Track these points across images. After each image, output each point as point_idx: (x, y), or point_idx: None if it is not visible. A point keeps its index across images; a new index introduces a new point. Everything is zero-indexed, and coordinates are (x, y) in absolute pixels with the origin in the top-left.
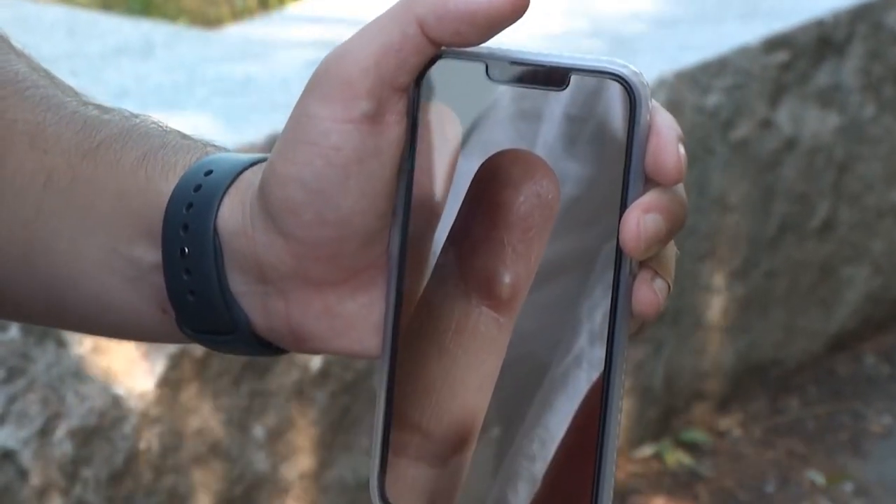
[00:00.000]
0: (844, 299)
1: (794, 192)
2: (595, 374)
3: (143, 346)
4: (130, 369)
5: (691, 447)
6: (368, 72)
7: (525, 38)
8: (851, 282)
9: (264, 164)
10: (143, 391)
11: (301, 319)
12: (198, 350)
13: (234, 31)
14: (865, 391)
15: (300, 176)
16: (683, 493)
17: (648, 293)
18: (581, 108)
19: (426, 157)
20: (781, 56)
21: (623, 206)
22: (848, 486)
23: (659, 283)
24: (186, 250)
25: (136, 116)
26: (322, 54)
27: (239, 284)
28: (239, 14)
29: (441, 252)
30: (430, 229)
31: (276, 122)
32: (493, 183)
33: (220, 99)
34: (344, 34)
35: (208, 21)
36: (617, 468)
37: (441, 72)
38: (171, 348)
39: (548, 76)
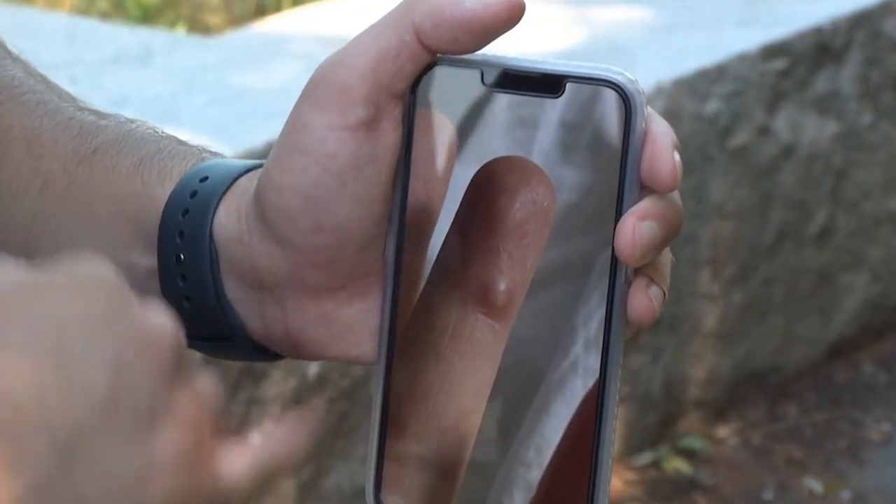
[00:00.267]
0: (843, 306)
1: (793, 199)
2: (590, 381)
3: None
4: None
5: (689, 454)
6: (365, 78)
7: (522, 47)
8: (850, 289)
9: (260, 171)
10: None
11: (298, 325)
12: (195, 357)
13: (232, 38)
14: (864, 398)
15: (296, 183)
16: (681, 501)
17: (644, 300)
18: (576, 116)
19: (422, 164)
20: (779, 63)
21: (618, 214)
22: (846, 494)
23: (654, 290)
24: (182, 256)
25: (133, 122)
26: (320, 61)
27: (235, 291)
28: (237, 21)
29: (437, 258)
30: (426, 236)
31: (274, 128)
32: (488, 190)
33: (219, 106)
34: (343, 41)
35: (206, 28)
36: (615, 476)
37: (437, 79)
38: None
39: (543, 83)
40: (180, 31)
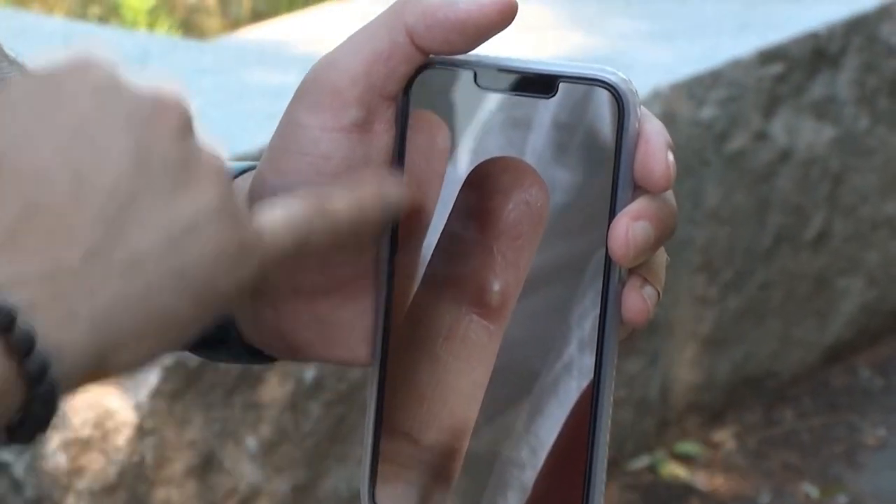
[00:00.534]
0: (839, 311)
1: (789, 203)
2: (585, 382)
3: None
4: (124, 381)
5: (685, 459)
6: (358, 80)
7: (519, 53)
8: (846, 293)
9: (253, 173)
10: (137, 403)
11: (292, 328)
12: (191, 362)
13: (229, 42)
14: (860, 403)
15: (289, 184)
16: None
17: (637, 301)
18: (570, 116)
19: (415, 165)
20: (776, 68)
21: (612, 214)
22: (842, 499)
23: (648, 291)
24: None
25: None
26: None
27: None
28: (233, 25)
29: (430, 260)
30: (420, 237)
31: (270, 131)
32: (482, 190)
33: (215, 109)
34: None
35: (203, 32)
36: (611, 480)
37: (430, 79)
38: (165, 360)
39: (536, 83)
40: (177, 35)
